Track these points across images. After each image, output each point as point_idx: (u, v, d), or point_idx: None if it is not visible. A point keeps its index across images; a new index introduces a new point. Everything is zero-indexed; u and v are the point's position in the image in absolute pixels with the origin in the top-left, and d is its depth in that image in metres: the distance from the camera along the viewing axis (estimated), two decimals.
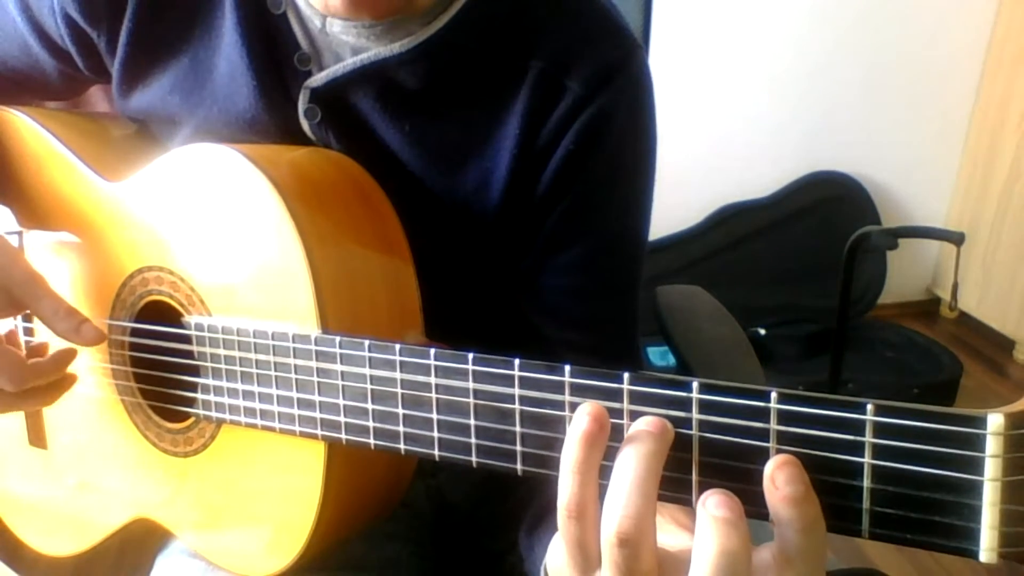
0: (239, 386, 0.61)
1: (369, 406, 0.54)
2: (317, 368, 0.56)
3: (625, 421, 0.43)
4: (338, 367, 0.55)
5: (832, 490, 0.39)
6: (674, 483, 0.42)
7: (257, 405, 0.60)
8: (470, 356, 0.48)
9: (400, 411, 0.52)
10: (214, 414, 0.63)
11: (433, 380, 0.50)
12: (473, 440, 0.49)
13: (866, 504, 0.38)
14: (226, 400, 0.61)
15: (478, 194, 0.68)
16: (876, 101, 2.50)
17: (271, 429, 0.59)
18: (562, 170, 0.67)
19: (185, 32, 0.68)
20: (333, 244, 0.60)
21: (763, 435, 0.40)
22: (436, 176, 0.68)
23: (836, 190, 2.51)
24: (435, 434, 0.51)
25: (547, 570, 0.49)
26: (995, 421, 0.35)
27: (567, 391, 0.45)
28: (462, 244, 0.69)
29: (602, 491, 0.41)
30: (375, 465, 0.64)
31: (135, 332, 0.67)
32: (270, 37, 0.66)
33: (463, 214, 0.68)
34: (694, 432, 0.42)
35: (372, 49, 0.64)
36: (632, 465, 0.40)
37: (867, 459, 0.38)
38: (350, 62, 0.64)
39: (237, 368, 0.60)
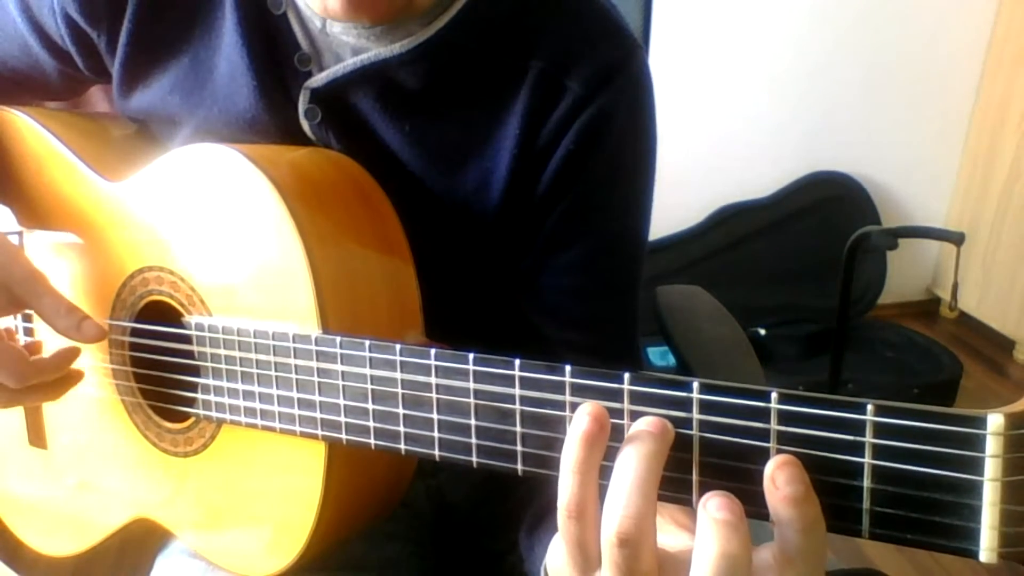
0: (239, 386, 0.61)
1: (369, 406, 0.54)
2: (317, 368, 0.56)
3: (625, 421, 0.43)
4: (338, 367, 0.55)
5: (832, 490, 0.39)
6: (674, 483, 0.42)
7: (257, 405, 0.60)
8: (470, 356, 0.48)
9: (400, 411, 0.52)
10: (214, 414, 0.63)
11: (433, 380, 0.50)
12: (473, 440, 0.49)
13: (866, 504, 0.38)
14: (226, 400, 0.61)
15: (478, 194, 0.68)
16: (876, 101, 2.50)
17: (271, 429, 0.59)
18: (562, 170, 0.67)
19: (185, 32, 0.68)
20: (333, 244, 0.60)
21: (763, 435, 0.40)
22: (436, 176, 0.68)
23: (836, 190, 2.51)
24: (435, 434, 0.51)
25: (547, 570, 0.49)
26: (995, 421, 0.35)
27: (567, 391, 0.45)
28: (462, 244, 0.69)
29: (602, 491, 0.41)
30: (375, 465, 0.64)
31: (135, 332, 0.68)
32: (270, 37, 0.66)
33: (463, 214, 0.68)
34: (694, 432, 0.42)
35: (372, 49, 0.64)
36: (632, 465, 0.40)
37: (867, 459, 0.38)
38: (350, 62, 0.64)
39: (237, 368, 0.60)
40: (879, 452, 0.38)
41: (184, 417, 0.66)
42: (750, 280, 2.45)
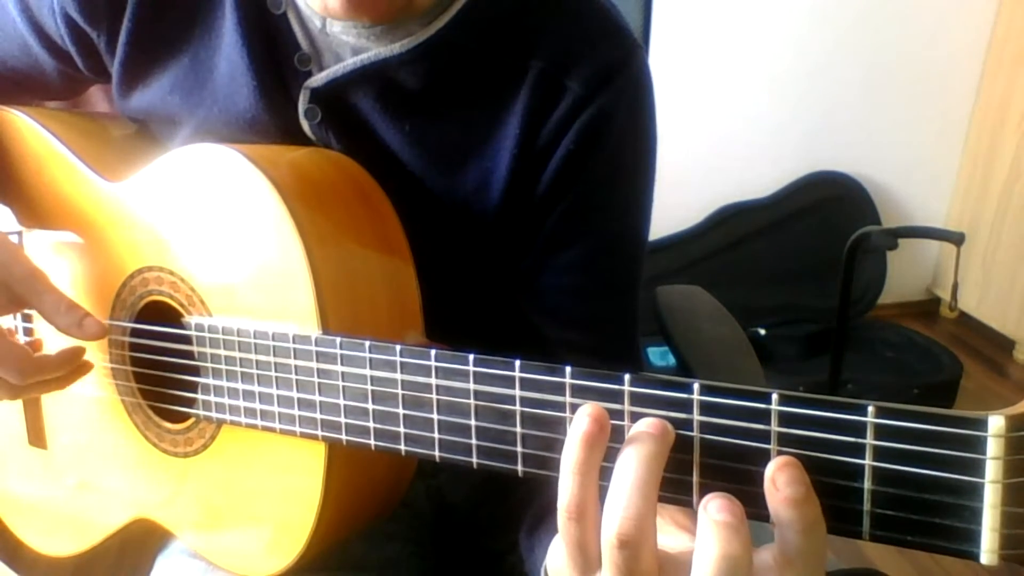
0: (239, 386, 0.60)
1: (370, 407, 0.54)
2: (317, 369, 0.56)
3: (626, 422, 0.43)
4: (338, 368, 0.55)
5: (833, 492, 0.39)
6: (675, 484, 0.42)
7: (257, 406, 0.60)
8: (471, 357, 0.48)
9: (400, 412, 0.52)
10: (214, 414, 0.63)
11: (434, 381, 0.50)
12: (474, 441, 0.49)
13: (867, 506, 0.38)
14: (226, 400, 0.61)
15: (478, 194, 0.67)
16: (876, 101, 2.50)
17: (271, 430, 0.59)
18: (562, 170, 0.67)
19: (185, 32, 0.68)
20: (333, 244, 0.60)
21: (764, 437, 0.40)
22: (436, 176, 0.67)
23: (836, 190, 2.51)
24: (435, 435, 0.51)
25: (547, 571, 0.49)
26: (995, 423, 0.35)
27: (568, 392, 0.45)
28: (462, 244, 0.69)
29: (603, 492, 0.41)
30: (375, 466, 0.64)
31: (135, 332, 0.67)
32: (270, 37, 0.66)
33: (463, 214, 0.68)
34: (695, 434, 0.42)
35: (372, 49, 0.64)
36: (633, 466, 0.40)
37: (868, 461, 0.38)
38: (350, 62, 0.64)
39: (237, 368, 0.60)
40: (880, 454, 0.38)
41: (184, 417, 0.66)
42: (750, 280, 2.45)
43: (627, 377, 0.43)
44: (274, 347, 0.58)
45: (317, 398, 0.56)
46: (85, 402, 0.72)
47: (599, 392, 0.44)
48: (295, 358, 0.57)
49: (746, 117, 2.43)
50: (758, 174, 2.48)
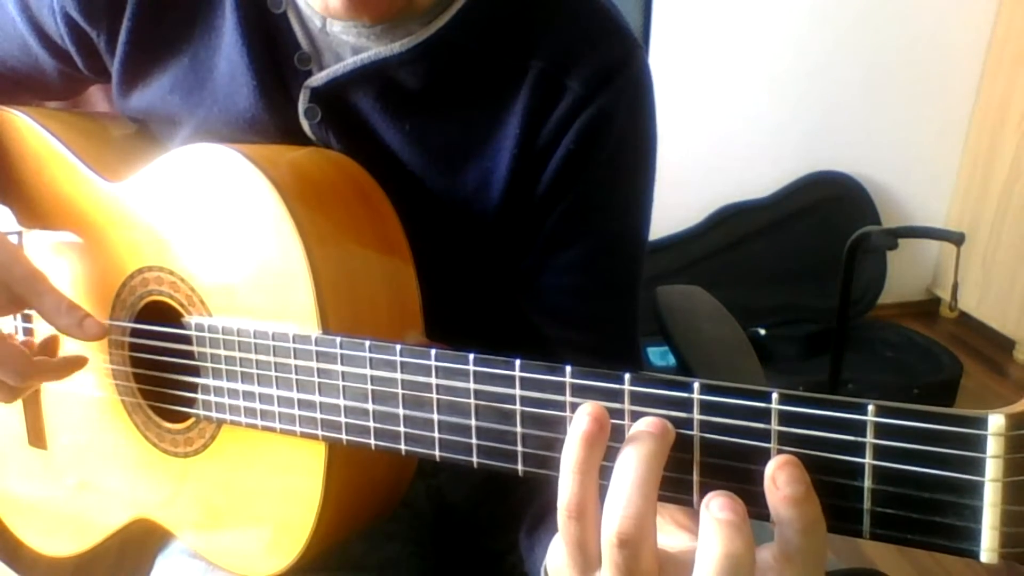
0: (239, 386, 0.60)
1: (370, 407, 0.54)
2: (318, 368, 0.56)
3: (626, 422, 0.43)
4: (339, 367, 0.55)
5: (833, 491, 0.39)
6: (675, 484, 0.42)
7: (257, 405, 0.60)
8: (471, 357, 0.48)
9: (401, 412, 0.52)
10: (214, 414, 0.63)
11: (434, 381, 0.50)
12: (474, 441, 0.49)
13: (867, 504, 0.38)
14: (226, 400, 0.61)
15: (478, 194, 0.67)
16: (876, 101, 2.50)
17: (271, 429, 0.59)
18: (562, 170, 0.67)
19: (185, 32, 0.68)
20: (333, 244, 0.60)
21: (764, 436, 0.40)
22: (436, 176, 0.67)
23: (836, 190, 2.51)
24: (436, 435, 0.51)
25: (547, 570, 0.49)
26: (996, 422, 0.35)
27: (568, 392, 0.45)
28: (462, 244, 0.69)
29: (603, 491, 0.41)
30: (375, 465, 0.64)
31: (135, 332, 0.67)
32: (270, 37, 0.66)
33: (463, 214, 0.68)
34: (695, 433, 0.42)
35: (372, 49, 0.64)
36: (633, 466, 0.40)
37: (868, 460, 0.38)
38: (350, 62, 0.64)
39: (237, 368, 0.60)
40: (880, 452, 0.38)
41: (184, 417, 0.66)
42: (750, 280, 2.45)
43: (627, 376, 0.43)
44: (274, 347, 0.58)
45: (317, 398, 0.56)
46: (85, 402, 0.72)
47: (599, 391, 0.44)
48: (295, 358, 0.57)
49: (746, 117, 2.43)
50: (758, 174, 2.48)
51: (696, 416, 0.41)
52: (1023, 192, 2.43)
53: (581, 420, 0.42)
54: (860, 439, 0.38)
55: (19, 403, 0.76)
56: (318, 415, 0.57)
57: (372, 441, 0.54)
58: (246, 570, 0.66)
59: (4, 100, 0.75)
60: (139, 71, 0.70)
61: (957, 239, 1.72)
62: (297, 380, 0.57)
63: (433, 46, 0.63)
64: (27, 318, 0.74)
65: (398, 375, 0.52)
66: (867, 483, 0.38)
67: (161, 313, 0.65)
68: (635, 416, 0.43)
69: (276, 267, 0.58)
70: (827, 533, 0.39)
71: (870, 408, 0.38)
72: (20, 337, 0.75)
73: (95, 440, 0.72)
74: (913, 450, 0.37)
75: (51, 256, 0.71)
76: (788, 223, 2.50)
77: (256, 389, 0.60)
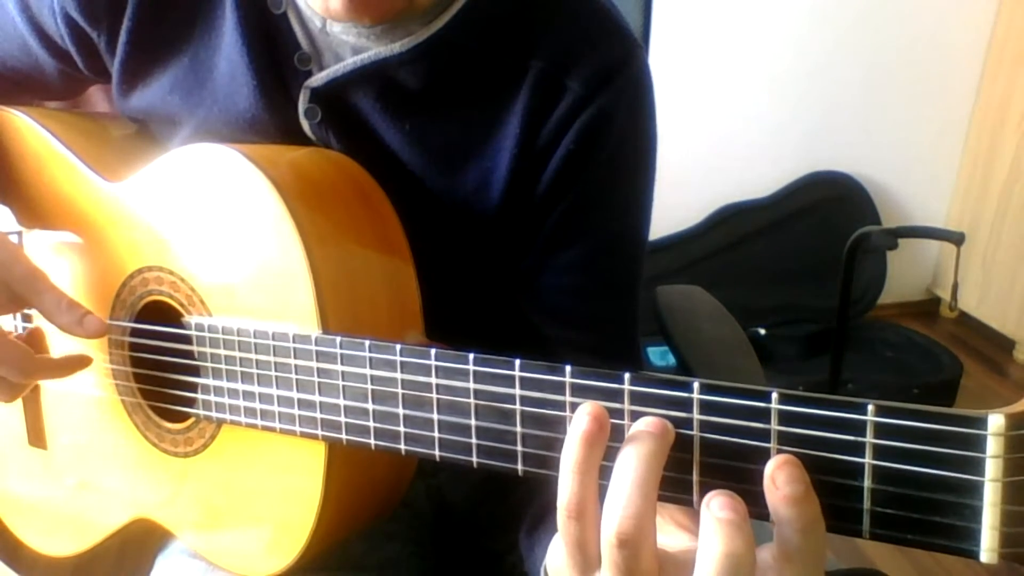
0: (239, 386, 0.60)
1: (370, 406, 0.54)
2: (317, 368, 0.56)
3: (626, 421, 0.43)
4: (339, 367, 0.55)
5: (833, 490, 0.39)
6: (675, 483, 0.42)
7: (257, 405, 0.60)
8: (471, 356, 0.48)
9: (401, 411, 0.52)
10: (214, 414, 0.63)
11: (434, 380, 0.50)
12: (474, 440, 0.49)
13: (867, 504, 0.38)
14: (226, 400, 0.61)
15: (478, 194, 0.67)
16: (876, 101, 2.50)
17: (271, 429, 0.59)
18: (562, 170, 0.67)
19: (185, 32, 0.68)
20: (333, 244, 0.60)
21: (764, 436, 0.40)
22: (436, 176, 0.68)
23: (836, 190, 2.51)
24: (436, 434, 0.51)
25: (547, 570, 0.49)
26: (995, 422, 0.35)
27: (568, 391, 0.45)
28: (462, 244, 0.69)
29: (602, 491, 0.41)
30: (375, 465, 0.64)
31: (135, 332, 0.67)
32: (270, 37, 0.66)
33: (463, 214, 0.68)
34: (695, 432, 0.42)
35: (372, 49, 0.64)
36: (632, 465, 0.40)
37: (868, 459, 0.38)
38: (350, 62, 0.64)
39: (237, 368, 0.60)
40: (880, 452, 0.38)
41: (184, 417, 0.66)
42: (750, 280, 2.45)
43: (627, 376, 0.43)
44: (274, 347, 0.58)
45: (317, 398, 0.56)
46: (85, 402, 0.72)
47: (599, 391, 0.44)
48: (295, 358, 0.57)
49: (746, 117, 2.43)
50: (758, 174, 2.48)
51: (696, 416, 0.41)
52: (1023, 192, 2.43)
53: (581, 420, 0.42)
54: (860, 439, 0.38)
55: (19, 403, 0.76)
56: (318, 415, 0.57)
57: (372, 441, 0.54)
58: (246, 570, 0.66)
59: (4, 100, 0.75)
60: (139, 71, 0.70)
61: (957, 239, 1.72)
62: (297, 380, 0.57)
63: (433, 46, 0.63)
64: (27, 318, 0.74)
65: (398, 375, 0.52)
66: (867, 483, 0.38)
67: (161, 313, 0.65)
68: (635, 416, 0.43)
69: (276, 267, 0.58)
70: (827, 533, 0.39)
71: (870, 408, 0.38)
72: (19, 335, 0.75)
73: (95, 440, 0.72)
74: (913, 450, 0.37)
75: (51, 256, 0.71)
76: (788, 223, 2.50)
77: (256, 389, 0.60)
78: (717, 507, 0.38)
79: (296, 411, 0.58)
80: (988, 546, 0.36)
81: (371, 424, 0.54)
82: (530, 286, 0.71)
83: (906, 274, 2.68)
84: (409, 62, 0.64)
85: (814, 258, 2.46)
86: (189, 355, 0.63)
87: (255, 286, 0.60)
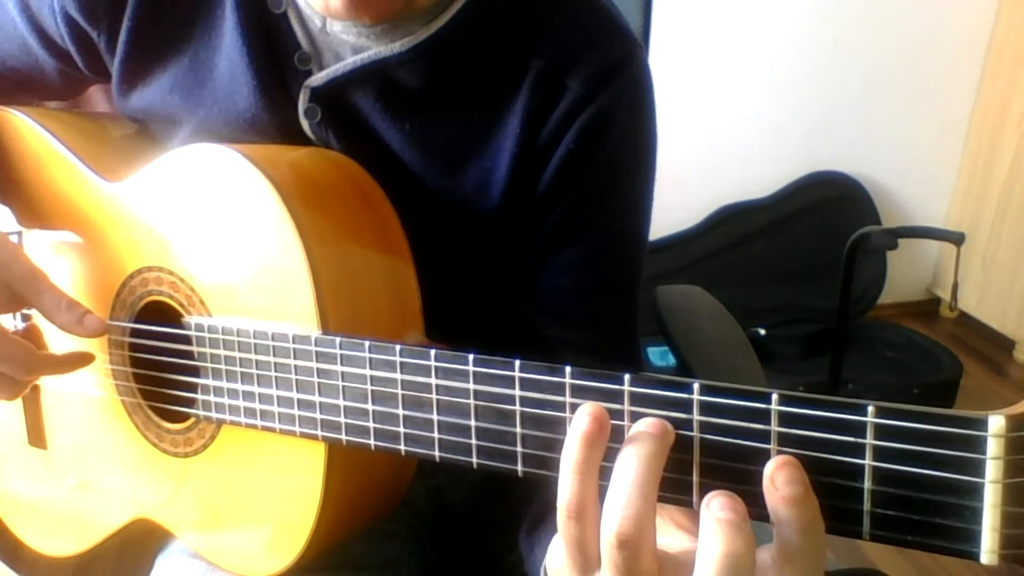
0: (239, 386, 0.60)
1: (369, 407, 0.54)
2: (317, 369, 0.56)
3: (626, 422, 0.43)
4: (338, 368, 0.55)
5: (833, 492, 0.39)
6: (675, 484, 0.42)
7: (257, 406, 0.60)
8: (471, 357, 0.48)
9: (400, 412, 0.52)
10: (214, 414, 0.63)
11: (433, 381, 0.50)
12: (474, 441, 0.49)
13: (867, 506, 0.38)
14: (226, 400, 0.61)
15: (478, 194, 0.67)
16: (876, 101, 2.50)
17: (271, 430, 0.59)
18: (562, 169, 0.67)
19: (185, 31, 0.68)
20: (333, 244, 0.60)
21: (764, 437, 0.40)
22: (436, 176, 0.67)
23: (836, 190, 2.51)
24: (435, 435, 0.51)
25: (547, 570, 0.49)
26: (996, 423, 0.35)
27: (568, 392, 0.45)
28: (462, 244, 0.69)
29: (602, 492, 0.41)
30: (375, 466, 0.64)
31: (135, 332, 0.67)
32: (270, 36, 0.66)
33: (463, 214, 0.68)
34: (695, 433, 0.41)
35: (372, 48, 0.64)
36: (632, 466, 0.40)
37: (868, 461, 0.38)
38: (350, 61, 0.64)
39: (237, 368, 0.60)
40: (880, 454, 0.38)
41: (184, 417, 0.66)
42: (750, 280, 2.45)
43: (627, 377, 0.43)
44: (274, 347, 0.58)
45: (317, 398, 0.56)
46: (85, 402, 0.72)
47: (599, 392, 0.44)
48: (295, 358, 0.57)
49: (746, 117, 2.43)
50: (758, 174, 2.48)
51: (696, 417, 0.41)
52: (1023, 192, 2.43)
53: (581, 420, 0.42)
54: (860, 440, 0.38)
55: (19, 403, 0.76)
56: (318, 415, 0.57)
57: (372, 441, 0.54)
58: (246, 570, 0.66)
59: (4, 100, 0.75)
60: (139, 71, 0.70)
61: (957, 239, 1.72)
62: (297, 380, 0.57)
63: (433, 46, 0.63)
64: (26, 317, 0.74)
65: (398, 375, 0.52)
66: (867, 484, 0.38)
67: (161, 313, 0.65)
68: (635, 417, 0.43)
69: (276, 267, 0.58)
70: (826, 534, 0.39)
71: (870, 409, 0.37)
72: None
73: (95, 440, 0.72)
74: (913, 451, 0.37)
75: (51, 256, 0.71)
76: (788, 223, 2.50)
77: (256, 389, 0.59)
78: (717, 507, 0.38)
79: (296, 411, 0.58)
80: (988, 548, 0.36)
81: (371, 425, 0.54)
82: (530, 286, 0.71)
83: (906, 274, 2.68)
84: (409, 62, 0.64)
85: (814, 258, 2.46)
86: (189, 355, 0.63)
87: (255, 286, 0.60)
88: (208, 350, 0.62)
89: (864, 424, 0.38)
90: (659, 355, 2.23)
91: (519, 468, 0.48)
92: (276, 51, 0.66)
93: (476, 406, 0.49)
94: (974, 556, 0.36)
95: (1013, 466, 0.35)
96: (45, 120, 0.73)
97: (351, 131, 0.67)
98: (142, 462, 0.69)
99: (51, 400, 0.74)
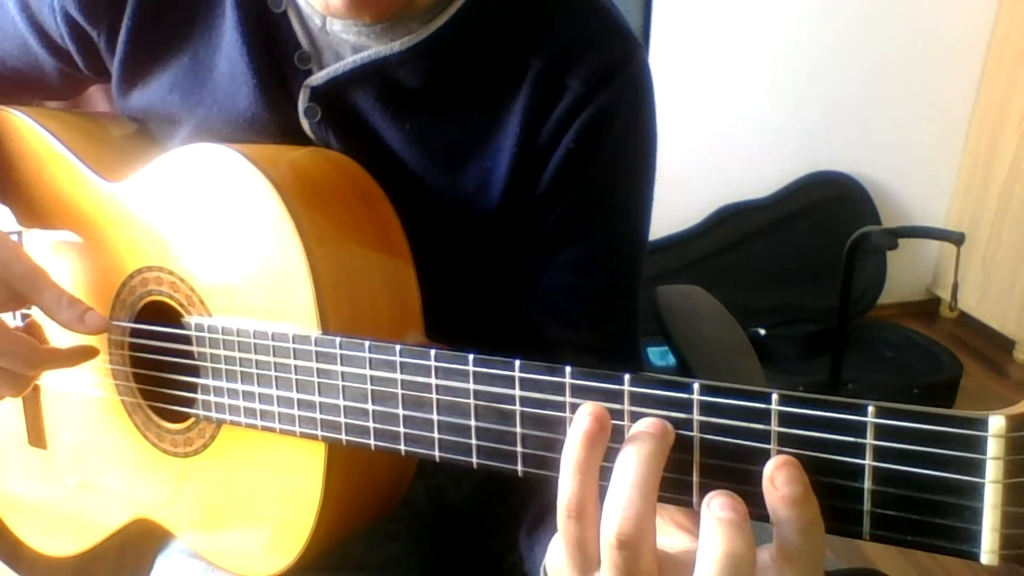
0: (239, 386, 0.60)
1: (369, 407, 0.54)
2: (317, 369, 0.56)
3: (626, 422, 0.43)
4: (338, 368, 0.55)
5: (833, 492, 0.39)
6: (675, 484, 0.42)
7: (257, 406, 0.60)
8: (471, 357, 0.48)
9: (400, 412, 0.52)
10: (214, 414, 0.63)
11: (433, 381, 0.50)
12: (474, 441, 0.49)
13: (867, 506, 0.38)
14: (226, 400, 0.61)
15: (478, 193, 0.67)
16: (876, 101, 2.50)
17: (271, 430, 0.59)
18: (562, 169, 0.67)
19: (185, 31, 0.68)
20: (333, 244, 0.60)
21: (764, 437, 0.40)
22: (436, 175, 0.67)
23: (836, 190, 2.51)
24: (435, 435, 0.51)
25: (547, 570, 0.49)
26: (996, 423, 0.35)
27: (568, 392, 0.45)
28: (462, 244, 0.69)
29: (602, 492, 0.41)
30: (375, 466, 0.64)
31: (135, 332, 0.67)
32: (270, 36, 0.66)
33: (463, 214, 0.68)
34: (695, 433, 0.41)
35: (372, 47, 0.64)
36: (632, 466, 0.40)
37: (868, 461, 0.38)
38: (350, 61, 0.64)
39: (237, 368, 0.60)
40: (880, 454, 0.38)
41: (184, 417, 0.66)
42: (750, 280, 2.45)
43: (627, 377, 0.43)
44: (274, 347, 0.58)
45: (317, 398, 0.56)
46: (85, 402, 0.72)
47: (599, 392, 0.44)
48: (295, 358, 0.57)
49: (746, 117, 2.43)
50: (758, 174, 2.48)
51: (696, 417, 0.41)
52: (1023, 192, 2.43)
53: (582, 419, 0.42)
54: (860, 440, 0.38)
55: (19, 403, 0.76)
56: (318, 415, 0.57)
57: (372, 441, 0.54)
58: (246, 570, 0.66)
59: (4, 100, 0.75)
60: (139, 70, 0.70)
61: (957, 239, 1.72)
62: (297, 380, 0.57)
63: (433, 45, 0.63)
64: (25, 316, 0.74)
65: (398, 375, 0.52)
66: (867, 484, 0.38)
67: (161, 313, 0.65)
68: (635, 417, 0.43)
69: (276, 267, 0.58)
70: (827, 534, 0.39)
71: (870, 409, 0.37)
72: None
73: (95, 440, 0.72)
74: (913, 451, 0.37)
75: (51, 256, 0.71)
76: (788, 223, 2.50)
77: (256, 389, 0.59)
78: (717, 507, 0.38)
79: (296, 411, 0.58)
80: (989, 548, 0.36)
81: (371, 425, 0.54)
82: (530, 286, 0.71)
83: (906, 274, 2.68)
84: (409, 61, 0.64)
85: (814, 258, 2.46)
86: (189, 355, 0.63)
87: (255, 286, 0.60)
88: (208, 350, 0.62)
89: (864, 424, 0.38)
90: (659, 355, 2.23)
91: (519, 468, 0.48)
92: (276, 50, 0.66)
93: (476, 406, 0.49)
94: (974, 556, 0.36)
95: (1013, 466, 0.35)
96: (45, 120, 0.73)
97: (351, 131, 0.67)
98: (142, 462, 0.69)
99: (51, 400, 0.74)
